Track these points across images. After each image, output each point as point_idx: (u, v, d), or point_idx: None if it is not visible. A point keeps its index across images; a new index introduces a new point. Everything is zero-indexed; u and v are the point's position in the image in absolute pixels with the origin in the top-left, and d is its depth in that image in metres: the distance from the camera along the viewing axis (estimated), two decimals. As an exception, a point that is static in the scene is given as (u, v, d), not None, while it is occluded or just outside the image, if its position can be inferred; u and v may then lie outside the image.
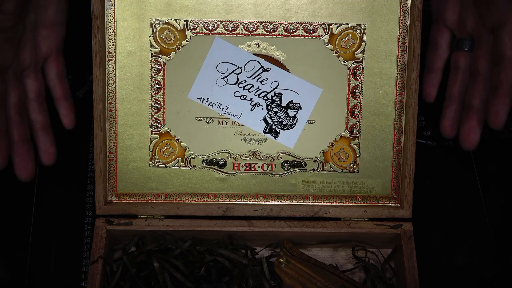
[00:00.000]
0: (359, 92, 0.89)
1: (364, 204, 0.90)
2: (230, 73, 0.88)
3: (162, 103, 0.88)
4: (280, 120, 0.89)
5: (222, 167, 0.90)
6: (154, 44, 0.87)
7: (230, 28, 0.88)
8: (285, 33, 0.88)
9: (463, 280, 0.91)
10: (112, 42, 0.87)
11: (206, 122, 0.89)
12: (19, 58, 0.87)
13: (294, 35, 0.88)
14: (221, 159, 0.90)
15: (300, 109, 0.89)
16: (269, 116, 0.89)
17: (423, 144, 0.99)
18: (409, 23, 0.87)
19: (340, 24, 0.88)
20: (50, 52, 0.90)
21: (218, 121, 0.89)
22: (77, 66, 1.01)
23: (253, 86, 0.89)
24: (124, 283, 0.86)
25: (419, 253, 0.87)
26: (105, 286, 0.85)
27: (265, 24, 0.88)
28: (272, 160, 0.90)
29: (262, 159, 0.90)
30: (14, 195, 0.95)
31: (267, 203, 0.90)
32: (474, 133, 0.86)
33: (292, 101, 0.89)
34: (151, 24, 0.87)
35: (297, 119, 0.89)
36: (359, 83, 0.88)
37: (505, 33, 0.84)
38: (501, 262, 0.92)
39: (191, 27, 0.87)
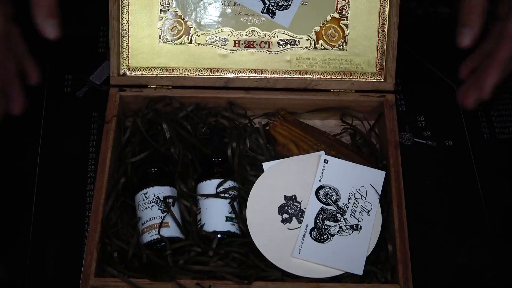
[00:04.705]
0: (347, -26, 0.96)
1: (352, 79, 0.98)
2: (232, -43, 0.96)
3: (171, -15, 0.97)
4: (276, 1, 0.97)
5: (224, 44, 0.99)
6: None
7: None
8: None
9: (463, 280, 0.91)
10: None
11: (209, 4, 0.97)
12: None
13: None
14: (223, 37, 0.98)
15: (294, -11, 0.96)
16: (266, -4, 0.97)
17: (423, 144, 1.01)
18: None
19: None
20: None
21: (221, 1, 0.97)
22: (77, 66, 1.05)
23: (251, -33, 0.96)
24: (134, 139, 0.94)
25: (419, 253, 0.89)
26: (117, 143, 0.94)
27: None
28: (269, 38, 0.98)
29: (260, 37, 0.98)
30: (14, 195, 0.96)
31: (264, 76, 0.98)
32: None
33: (286, -18, 0.96)
34: None
35: (291, 0, 0.97)
36: (348, -34, 0.96)
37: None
38: (501, 262, 0.92)
39: None
